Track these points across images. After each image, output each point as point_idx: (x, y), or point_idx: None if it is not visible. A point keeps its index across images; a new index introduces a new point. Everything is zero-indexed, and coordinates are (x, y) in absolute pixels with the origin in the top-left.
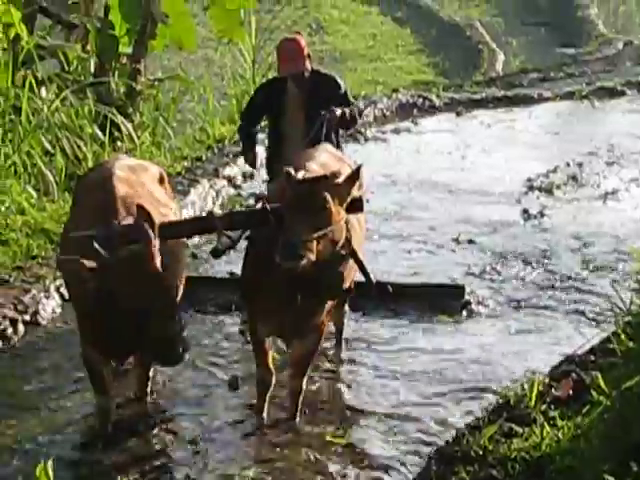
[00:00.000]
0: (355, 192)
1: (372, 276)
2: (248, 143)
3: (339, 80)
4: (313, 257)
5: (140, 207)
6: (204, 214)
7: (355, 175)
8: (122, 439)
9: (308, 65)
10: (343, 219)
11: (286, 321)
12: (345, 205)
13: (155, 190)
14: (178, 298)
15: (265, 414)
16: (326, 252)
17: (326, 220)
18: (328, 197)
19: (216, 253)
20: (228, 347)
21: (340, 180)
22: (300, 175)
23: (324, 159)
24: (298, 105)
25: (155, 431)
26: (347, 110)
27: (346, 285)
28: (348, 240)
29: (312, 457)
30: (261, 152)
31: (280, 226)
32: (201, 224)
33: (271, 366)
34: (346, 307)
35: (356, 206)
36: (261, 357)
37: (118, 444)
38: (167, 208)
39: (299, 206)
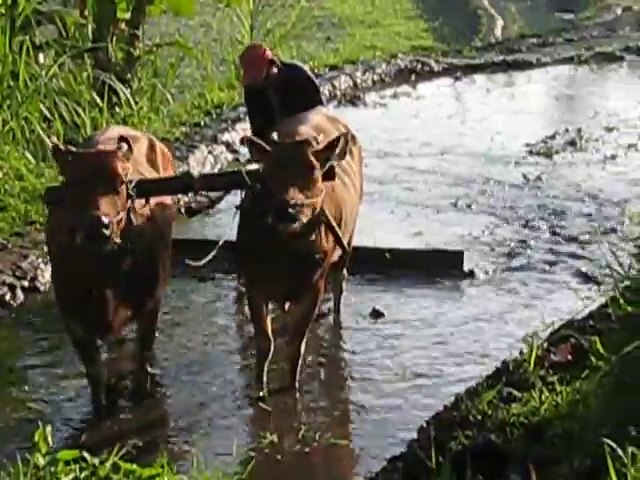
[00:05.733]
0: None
1: (347, 246)
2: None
3: (301, 65)
4: (305, 219)
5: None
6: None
7: (335, 143)
8: (119, 408)
9: (274, 69)
10: (321, 185)
11: (282, 286)
12: (322, 172)
13: (143, 163)
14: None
15: (265, 382)
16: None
17: (312, 184)
18: (314, 161)
19: (190, 212)
20: (226, 312)
21: (319, 147)
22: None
23: (317, 121)
24: (280, 99)
25: (152, 401)
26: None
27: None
28: (322, 209)
29: (308, 420)
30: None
31: (263, 190)
32: (179, 183)
33: (269, 333)
34: (344, 272)
35: (329, 175)
36: (259, 324)
37: (116, 413)
38: None
39: (287, 168)
